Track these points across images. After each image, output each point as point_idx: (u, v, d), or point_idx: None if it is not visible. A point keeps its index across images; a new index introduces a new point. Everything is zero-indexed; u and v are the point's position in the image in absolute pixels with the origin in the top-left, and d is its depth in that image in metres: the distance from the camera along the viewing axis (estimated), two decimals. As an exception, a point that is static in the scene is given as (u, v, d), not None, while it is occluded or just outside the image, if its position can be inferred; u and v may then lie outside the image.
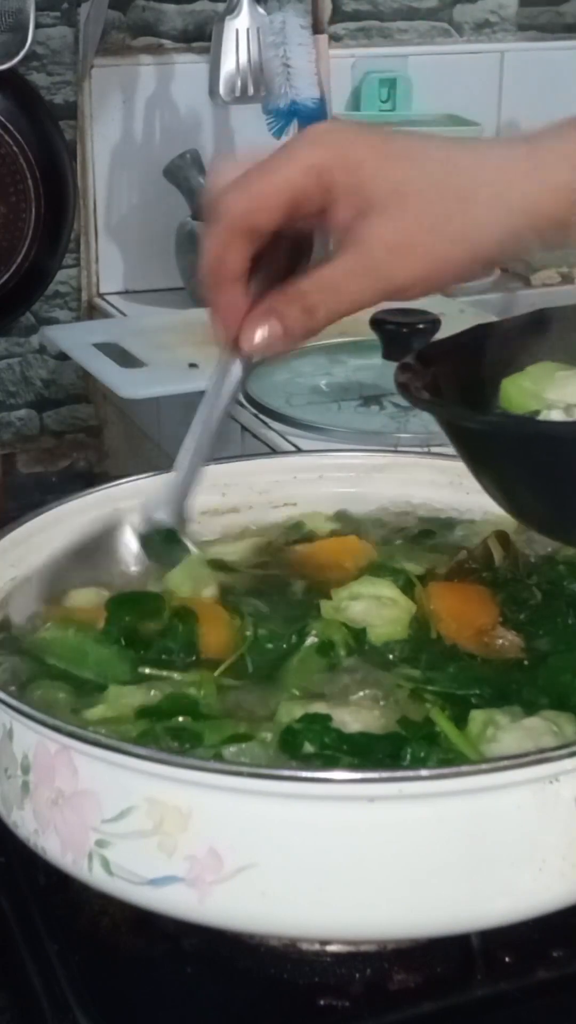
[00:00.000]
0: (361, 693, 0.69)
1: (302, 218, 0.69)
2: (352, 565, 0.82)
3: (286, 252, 0.72)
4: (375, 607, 0.75)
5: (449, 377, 0.71)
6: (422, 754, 0.63)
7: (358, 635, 0.74)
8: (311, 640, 0.73)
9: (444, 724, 0.66)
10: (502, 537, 0.83)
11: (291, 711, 0.67)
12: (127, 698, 0.69)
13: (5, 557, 0.81)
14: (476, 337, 0.75)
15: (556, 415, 0.68)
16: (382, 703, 0.68)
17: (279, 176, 0.68)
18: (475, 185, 0.67)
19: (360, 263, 0.67)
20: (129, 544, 0.82)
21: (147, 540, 0.81)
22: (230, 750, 0.64)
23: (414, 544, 0.87)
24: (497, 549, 0.82)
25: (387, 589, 0.76)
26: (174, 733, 0.66)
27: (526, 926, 0.65)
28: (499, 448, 0.67)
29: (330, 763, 0.63)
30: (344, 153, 0.67)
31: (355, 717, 0.66)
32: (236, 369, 0.74)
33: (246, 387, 1.45)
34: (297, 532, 0.90)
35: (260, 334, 0.70)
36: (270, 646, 0.73)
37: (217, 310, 0.72)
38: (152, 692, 0.69)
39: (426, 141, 0.70)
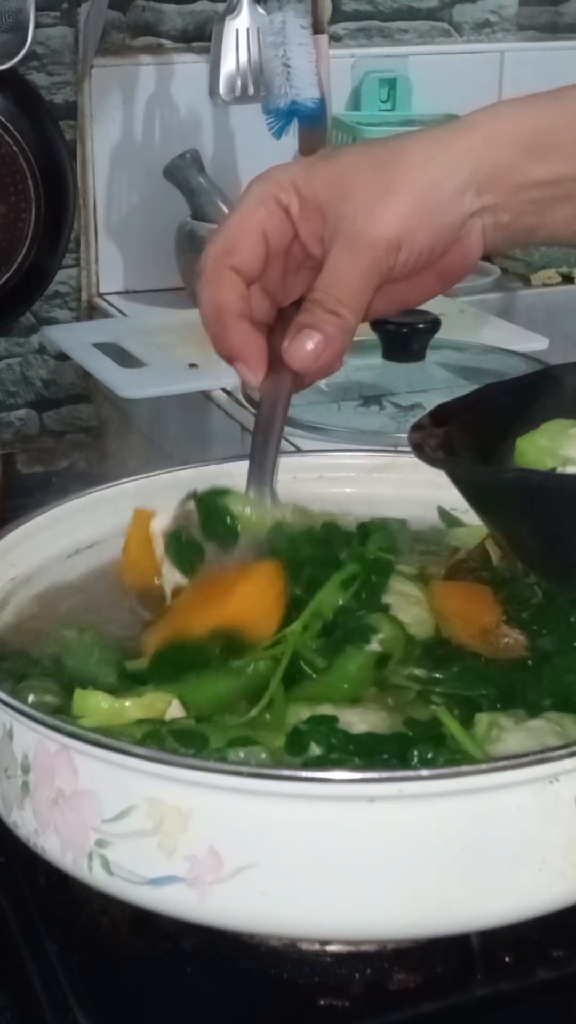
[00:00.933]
0: (368, 694, 0.69)
1: (284, 253, 0.75)
2: None
3: None
4: (402, 604, 0.75)
5: (463, 436, 0.73)
6: (429, 755, 0.63)
7: (411, 641, 0.73)
8: (374, 647, 0.71)
9: (452, 725, 0.65)
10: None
11: (297, 712, 0.67)
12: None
13: (5, 557, 0.81)
14: (488, 396, 0.76)
15: (573, 470, 0.69)
16: (389, 703, 0.68)
17: (236, 216, 0.75)
18: (396, 148, 0.75)
19: (340, 245, 0.72)
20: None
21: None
22: (237, 754, 0.64)
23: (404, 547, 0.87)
24: (494, 549, 0.82)
25: (403, 584, 0.76)
26: (179, 735, 0.65)
27: (526, 926, 0.65)
28: (515, 503, 0.69)
29: (337, 764, 0.63)
30: (277, 180, 0.75)
31: (361, 718, 0.66)
32: (285, 392, 0.79)
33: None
34: None
35: (306, 345, 0.74)
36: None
37: (233, 352, 0.76)
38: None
39: (343, 147, 0.81)
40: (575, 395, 0.76)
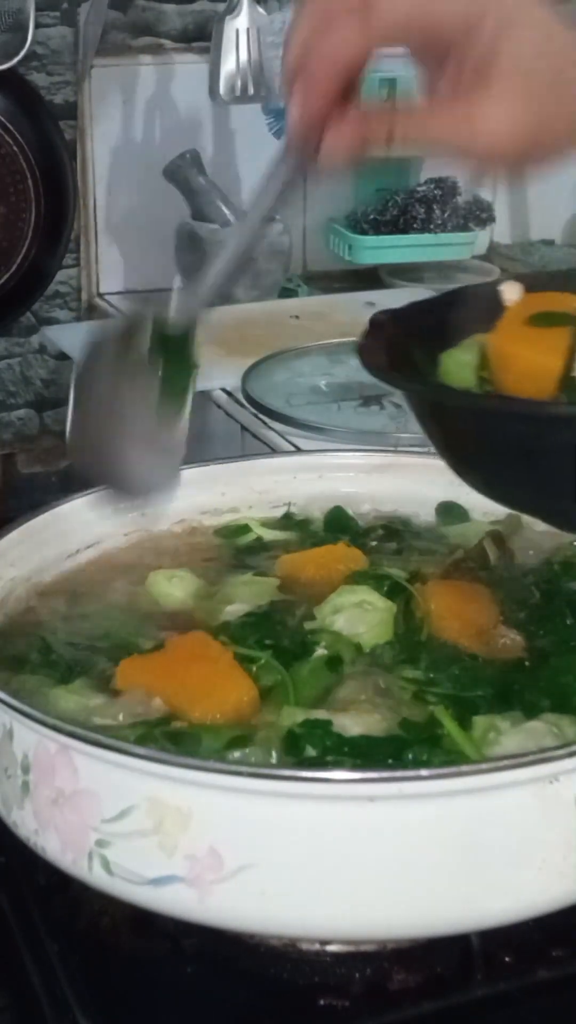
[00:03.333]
0: (362, 697, 0.69)
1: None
2: (343, 571, 0.82)
3: None
4: (358, 615, 0.75)
5: (396, 348, 0.70)
6: (425, 756, 0.63)
7: (359, 646, 0.74)
8: (320, 652, 0.73)
9: (449, 724, 0.66)
10: (497, 537, 0.83)
11: (292, 715, 0.67)
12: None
13: (5, 557, 0.81)
14: (409, 312, 0.74)
15: None
16: (382, 705, 0.68)
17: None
18: None
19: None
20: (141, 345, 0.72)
21: (158, 339, 0.71)
22: (234, 755, 0.64)
23: (402, 546, 0.87)
24: (492, 549, 0.82)
25: (366, 594, 0.76)
26: (172, 737, 0.66)
27: (526, 926, 0.65)
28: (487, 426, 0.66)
29: (332, 766, 0.63)
30: None
31: (356, 721, 0.66)
32: (291, 171, 0.68)
33: (247, 388, 1.45)
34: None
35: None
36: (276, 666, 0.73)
37: (296, 95, 0.66)
38: None
39: None
40: (488, 313, 0.73)
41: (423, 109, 0.66)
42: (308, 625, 0.76)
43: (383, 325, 0.71)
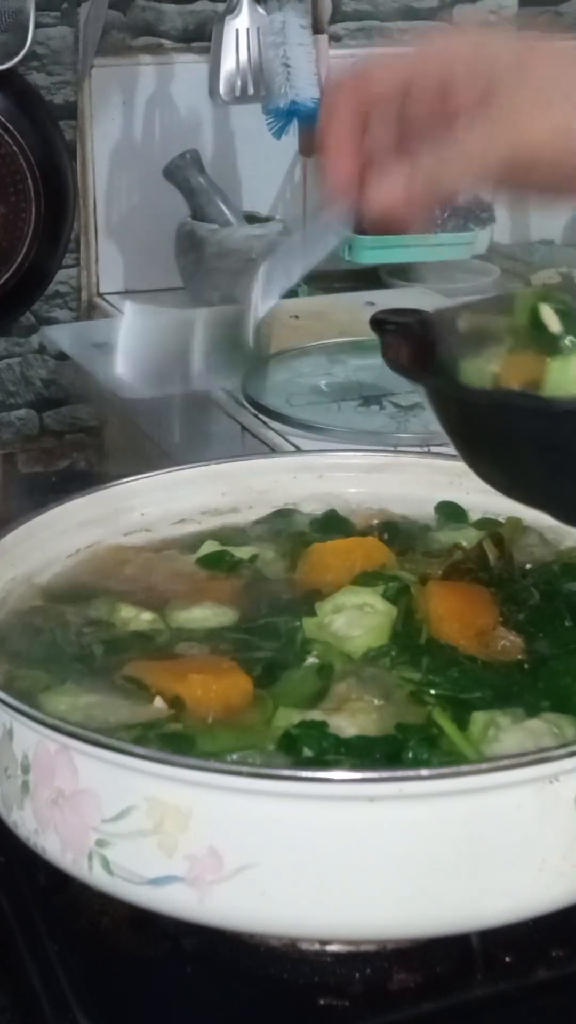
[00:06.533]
0: (358, 698, 0.69)
1: (422, 101, 0.69)
2: (360, 566, 0.81)
3: None
4: (357, 617, 0.75)
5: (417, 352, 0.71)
6: (424, 756, 0.63)
7: (350, 656, 0.74)
8: (311, 661, 0.73)
9: (446, 724, 0.66)
10: (496, 538, 0.83)
11: (288, 717, 0.67)
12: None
13: (5, 557, 0.81)
14: (438, 317, 0.74)
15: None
16: (379, 706, 0.68)
17: (393, 56, 0.71)
18: None
19: (487, 120, 0.67)
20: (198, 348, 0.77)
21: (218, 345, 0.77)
22: (231, 757, 0.64)
23: (402, 547, 0.87)
24: (492, 550, 0.82)
25: (369, 597, 0.76)
26: (166, 739, 0.66)
27: (526, 926, 0.65)
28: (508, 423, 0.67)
29: (334, 765, 0.63)
30: (458, 40, 0.71)
31: (351, 722, 0.66)
32: (334, 229, 0.72)
33: (247, 387, 1.45)
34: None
35: (384, 188, 0.69)
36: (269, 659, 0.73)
37: (330, 158, 0.70)
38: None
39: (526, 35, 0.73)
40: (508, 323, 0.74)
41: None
42: (306, 622, 0.76)
43: (408, 326, 0.72)
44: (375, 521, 0.91)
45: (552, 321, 0.68)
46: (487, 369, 0.69)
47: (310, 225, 0.73)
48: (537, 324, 0.69)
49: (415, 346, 0.71)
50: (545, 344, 0.68)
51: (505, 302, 0.73)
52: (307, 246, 0.74)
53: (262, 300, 0.74)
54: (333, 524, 0.90)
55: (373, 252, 1.95)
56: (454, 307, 0.75)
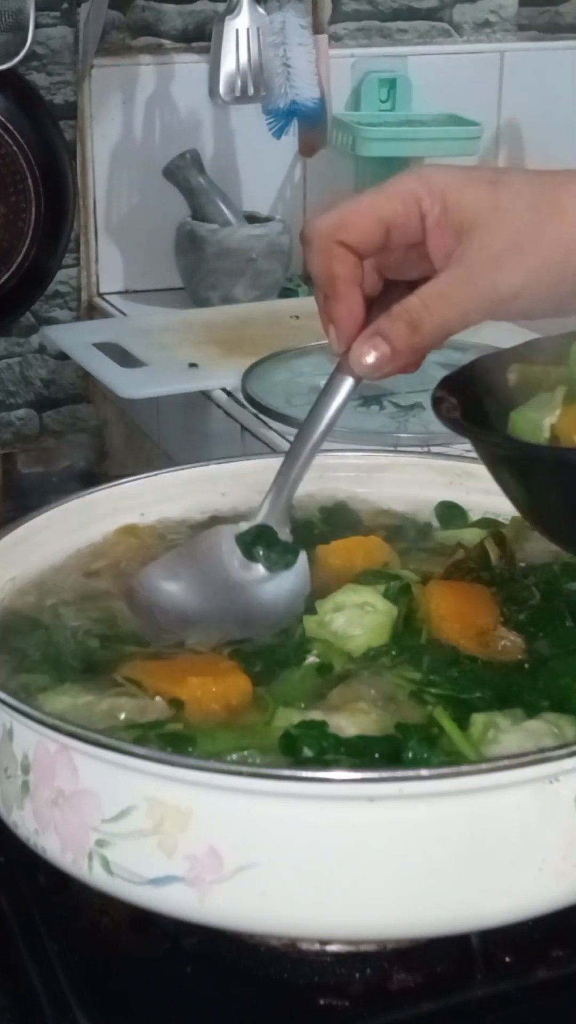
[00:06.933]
0: (358, 698, 0.69)
1: (400, 247, 0.72)
2: (362, 566, 0.81)
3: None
4: (357, 616, 0.75)
5: (467, 407, 0.72)
6: (424, 756, 0.63)
7: (350, 655, 0.74)
8: (312, 660, 0.73)
9: (447, 724, 0.66)
10: (498, 537, 0.83)
11: (288, 717, 0.67)
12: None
13: (5, 557, 0.81)
14: (480, 368, 0.75)
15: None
16: (379, 706, 0.68)
17: (366, 201, 0.72)
18: (561, 196, 0.70)
19: (463, 274, 0.69)
20: (230, 551, 0.80)
21: (248, 542, 0.80)
22: (231, 757, 0.64)
23: (402, 546, 0.87)
24: (493, 549, 0.82)
25: (369, 596, 0.76)
26: (166, 739, 0.66)
27: (526, 926, 0.65)
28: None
29: (333, 765, 0.63)
30: (429, 180, 0.71)
31: (351, 722, 0.66)
32: (346, 385, 0.75)
33: (247, 388, 1.45)
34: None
35: (368, 354, 0.71)
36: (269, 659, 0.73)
37: (333, 319, 0.74)
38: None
39: (505, 169, 0.75)
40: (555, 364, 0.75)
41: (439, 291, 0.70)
42: (307, 620, 0.76)
43: (455, 381, 0.73)
44: (376, 521, 0.91)
45: None
46: (541, 421, 0.69)
47: (322, 392, 0.76)
48: None
49: (460, 397, 0.72)
50: None
51: (552, 348, 0.74)
52: (322, 412, 0.77)
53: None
54: (340, 517, 0.90)
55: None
56: (498, 354, 0.76)
